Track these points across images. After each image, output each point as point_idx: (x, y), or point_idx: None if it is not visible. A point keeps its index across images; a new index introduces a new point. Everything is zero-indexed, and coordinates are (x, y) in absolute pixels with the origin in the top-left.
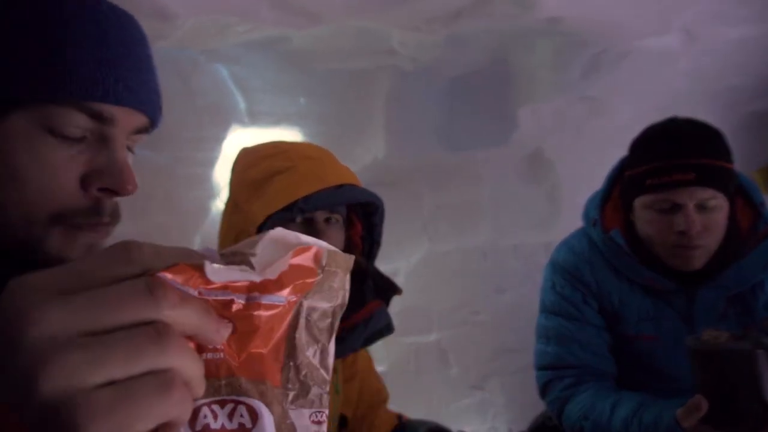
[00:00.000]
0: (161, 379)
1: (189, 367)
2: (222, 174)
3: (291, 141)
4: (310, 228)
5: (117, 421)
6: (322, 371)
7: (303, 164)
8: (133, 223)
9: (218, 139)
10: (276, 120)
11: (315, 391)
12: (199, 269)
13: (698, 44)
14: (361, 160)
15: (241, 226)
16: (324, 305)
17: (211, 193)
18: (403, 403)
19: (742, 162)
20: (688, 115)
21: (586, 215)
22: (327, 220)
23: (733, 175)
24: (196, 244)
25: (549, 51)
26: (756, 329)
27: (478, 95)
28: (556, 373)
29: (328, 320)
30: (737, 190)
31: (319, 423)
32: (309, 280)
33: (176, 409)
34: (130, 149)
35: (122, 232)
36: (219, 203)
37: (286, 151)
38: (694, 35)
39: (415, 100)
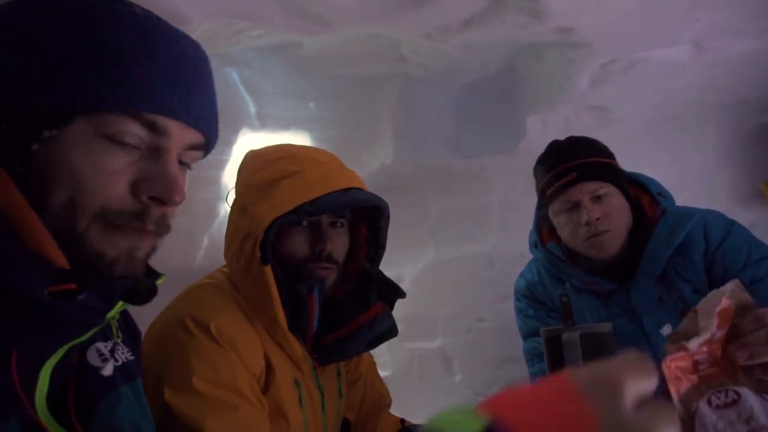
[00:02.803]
0: None
1: None
2: (231, 177)
3: (298, 145)
4: (316, 231)
5: None
6: None
7: (310, 168)
8: None
9: (228, 142)
10: (285, 124)
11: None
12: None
13: (707, 56)
14: (369, 166)
15: (248, 228)
16: None
17: (220, 195)
18: (406, 409)
19: (749, 173)
20: (698, 126)
21: (530, 245)
22: (332, 224)
23: (612, 167)
24: (204, 246)
25: (558, 60)
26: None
27: (487, 103)
28: None
29: None
30: (642, 189)
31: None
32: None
33: None
34: (186, 164)
35: None
36: (228, 206)
37: (294, 155)
38: (704, 47)
39: (424, 106)
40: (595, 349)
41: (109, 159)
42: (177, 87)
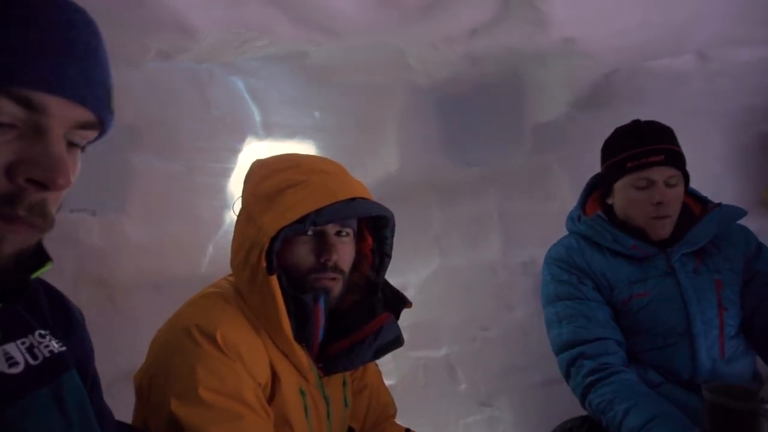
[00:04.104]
0: None
1: None
2: (237, 185)
3: (304, 154)
4: (321, 241)
5: None
6: None
7: (315, 178)
8: (148, 231)
9: (234, 151)
10: (291, 132)
11: None
12: None
13: (711, 65)
14: (374, 174)
15: (254, 237)
16: None
17: (225, 204)
18: (410, 418)
19: (754, 181)
20: (702, 135)
21: (570, 221)
22: (338, 233)
23: (684, 159)
24: (209, 253)
25: (562, 69)
26: None
27: (492, 111)
28: (572, 353)
29: None
30: (688, 194)
31: None
32: None
33: None
34: (76, 144)
35: (137, 239)
36: (233, 214)
37: (299, 165)
38: (708, 57)
39: (428, 114)
40: None
41: None
42: (55, 58)
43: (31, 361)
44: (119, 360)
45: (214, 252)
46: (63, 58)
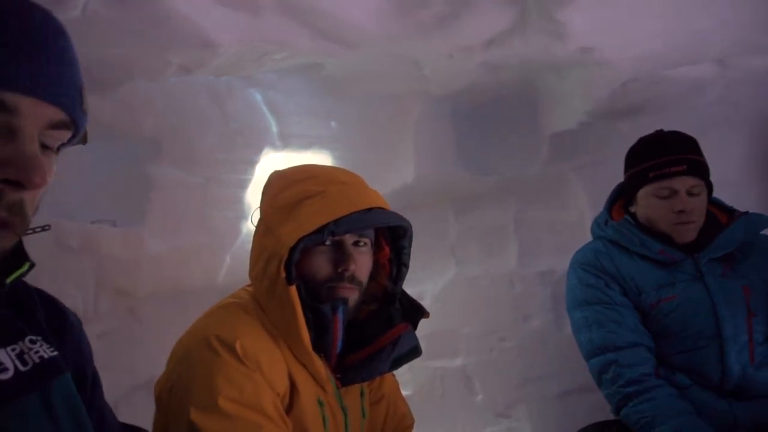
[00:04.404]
0: None
1: None
2: (254, 196)
3: (322, 165)
4: (339, 251)
5: None
6: None
7: (333, 188)
8: (167, 241)
9: (251, 162)
10: (308, 143)
11: None
12: None
13: (731, 73)
14: (391, 184)
15: (273, 248)
16: None
17: (243, 214)
18: (428, 429)
19: None
20: (721, 143)
21: (597, 226)
22: (356, 243)
23: (708, 169)
24: (227, 264)
25: (579, 78)
26: None
27: (507, 120)
28: (604, 358)
29: None
30: (713, 204)
31: None
32: None
33: None
34: (48, 146)
35: (156, 250)
36: (250, 224)
37: (317, 176)
38: (727, 65)
39: (444, 124)
40: None
41: None
42: (25, 59)
43: (21, 367)
44: (138, 369)
45: (232, 262)
46: (34, 59)
